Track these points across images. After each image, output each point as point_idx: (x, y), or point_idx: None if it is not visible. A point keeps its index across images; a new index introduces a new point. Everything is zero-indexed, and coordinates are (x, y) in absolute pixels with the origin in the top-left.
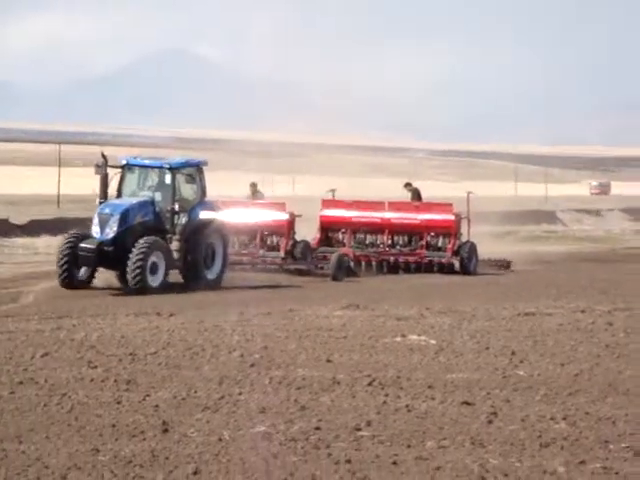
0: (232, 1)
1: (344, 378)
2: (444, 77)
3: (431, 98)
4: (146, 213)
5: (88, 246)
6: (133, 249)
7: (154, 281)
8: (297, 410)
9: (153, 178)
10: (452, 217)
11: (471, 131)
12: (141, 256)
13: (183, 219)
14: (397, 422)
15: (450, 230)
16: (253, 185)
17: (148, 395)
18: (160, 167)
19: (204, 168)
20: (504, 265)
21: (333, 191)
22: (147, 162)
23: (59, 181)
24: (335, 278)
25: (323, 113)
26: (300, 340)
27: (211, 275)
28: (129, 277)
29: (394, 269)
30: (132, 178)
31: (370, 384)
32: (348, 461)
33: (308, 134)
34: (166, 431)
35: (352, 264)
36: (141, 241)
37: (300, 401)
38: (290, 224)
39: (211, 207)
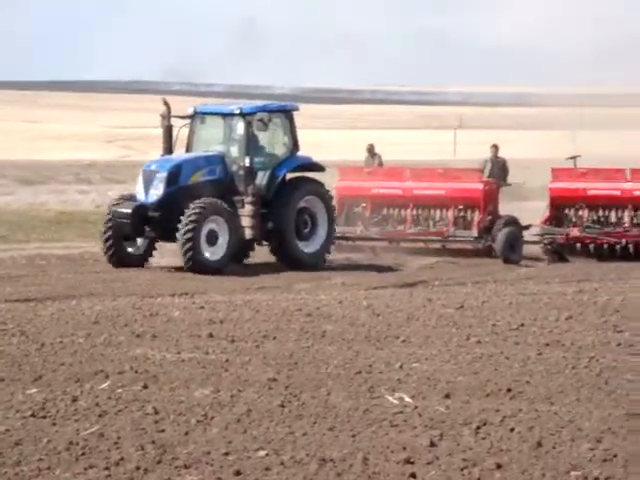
0: None
1: None
2: None
3: None
4: (211, 170)
5: (123, 210)
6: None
7: (214, 254)
8: None
9: (225, 128)
10: None
11: None
12: (192, 224)
13: (264, 178)
14: None
15: None
16: (371, 147)
17: None
18: (230, 114)
19: (294, 114)
20: None
21: (575, 158)
22: (216, 109)
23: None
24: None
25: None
26: None
27: (308, 249)
28: (180, 252)
29: (628, 256)
30: (203, 129)
31: None
32: None
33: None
34: None
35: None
36: (192, 205)
37: None
38: (487, 195)
39: (306, 163)
